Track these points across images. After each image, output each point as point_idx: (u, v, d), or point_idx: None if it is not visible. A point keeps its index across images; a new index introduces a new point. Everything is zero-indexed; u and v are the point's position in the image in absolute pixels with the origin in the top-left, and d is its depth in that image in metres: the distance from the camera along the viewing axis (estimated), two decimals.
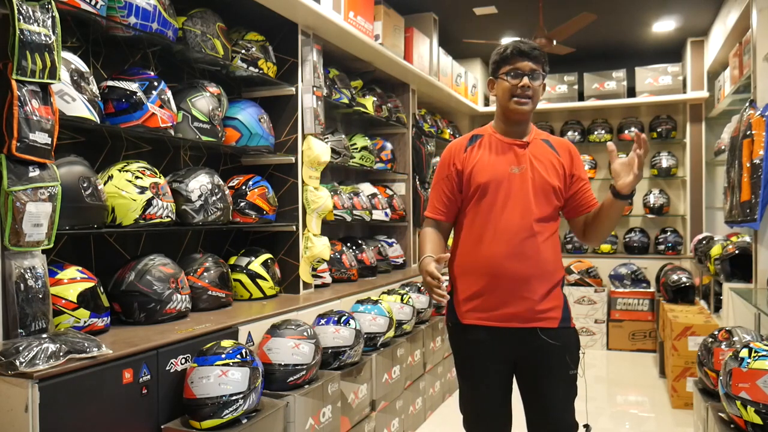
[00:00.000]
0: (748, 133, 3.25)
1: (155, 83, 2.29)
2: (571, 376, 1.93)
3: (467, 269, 1.96)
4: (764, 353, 2.04)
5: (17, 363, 1.56)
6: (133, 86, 2.23)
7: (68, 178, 1.93)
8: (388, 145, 4.36)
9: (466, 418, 2.05)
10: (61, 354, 1.64)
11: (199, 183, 2.52)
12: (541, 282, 1.90)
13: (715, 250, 3.94)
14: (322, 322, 2.72)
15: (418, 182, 4.66)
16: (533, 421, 1.97)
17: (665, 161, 5.82)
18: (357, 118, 4.40)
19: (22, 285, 1.72)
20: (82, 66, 2.06)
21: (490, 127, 2.03)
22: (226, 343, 2.10)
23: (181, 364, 2.05)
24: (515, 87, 1.90)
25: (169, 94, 2.36)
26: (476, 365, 1.98)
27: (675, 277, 4.84)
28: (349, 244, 3.87)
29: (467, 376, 2.02)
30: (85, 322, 1.97)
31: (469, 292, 1.95)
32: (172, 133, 2.39)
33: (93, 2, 2.04)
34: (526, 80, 1.89)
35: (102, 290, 2.09)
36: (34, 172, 1.75)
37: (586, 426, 2.03)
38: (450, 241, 2.10)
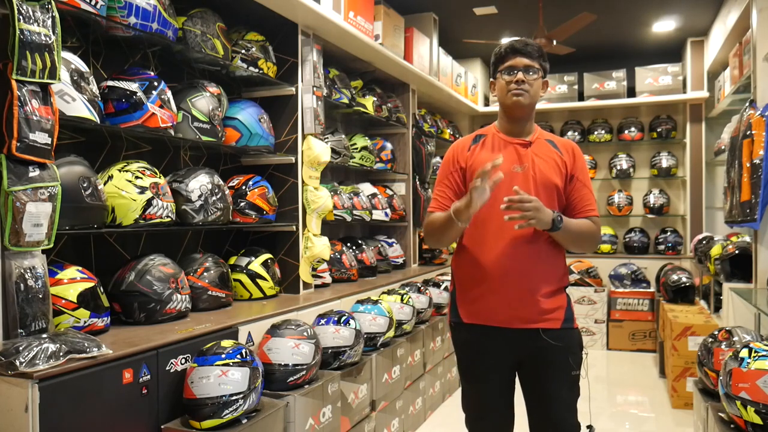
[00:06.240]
0: (748, 133, 3.25)
1: (155, 83, 2.29)
2: (574, 376, 1.92)
3: (470, 268, 1.96)
4: (764, 353, 2.03)
5: (17, 363, 1.56)
6: (133, 86, 2.23)
7: (68, 178, 1.93)
8: (388, 145, 4.36)
9: (468, 417, 2.05)
10: (61, 354, 1.64)
11: (199, 183, 2.52)
12: (544, 282, 1.90)
13: (715, 250, 3.94)
14: (322, 322, 2.72)
15: (418, 182, 4.66)
16: (535, 422, 1.96)
17: (665, 161, 5.82)
18: (357, 118, 4.40)
19: (22, 285, 1.72)
20: (82, 66, 2.06)
21: (493, 126, 2.04)
22: (226, 343, 2.10)
23: (181, 364, 2.05)
24: (511, 83, 1.92)
25: (169, 94, 2.36)
26: (478, 365, 1.98)
27: (675, 277, 4.84)
28: (349, 244, 3.87)
29: (469, 375, 2.02)
30: (85, 322, 1.97)
31: (472, 291, 1.95)
32: (172, 133, 2.39)
33: (93, 2, 2.04)
34: (520, 75, 1.91)
35: (102, 290, 2.09)
36: (34, 172, 1.75)
37: (590, 427, 2.02)
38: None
